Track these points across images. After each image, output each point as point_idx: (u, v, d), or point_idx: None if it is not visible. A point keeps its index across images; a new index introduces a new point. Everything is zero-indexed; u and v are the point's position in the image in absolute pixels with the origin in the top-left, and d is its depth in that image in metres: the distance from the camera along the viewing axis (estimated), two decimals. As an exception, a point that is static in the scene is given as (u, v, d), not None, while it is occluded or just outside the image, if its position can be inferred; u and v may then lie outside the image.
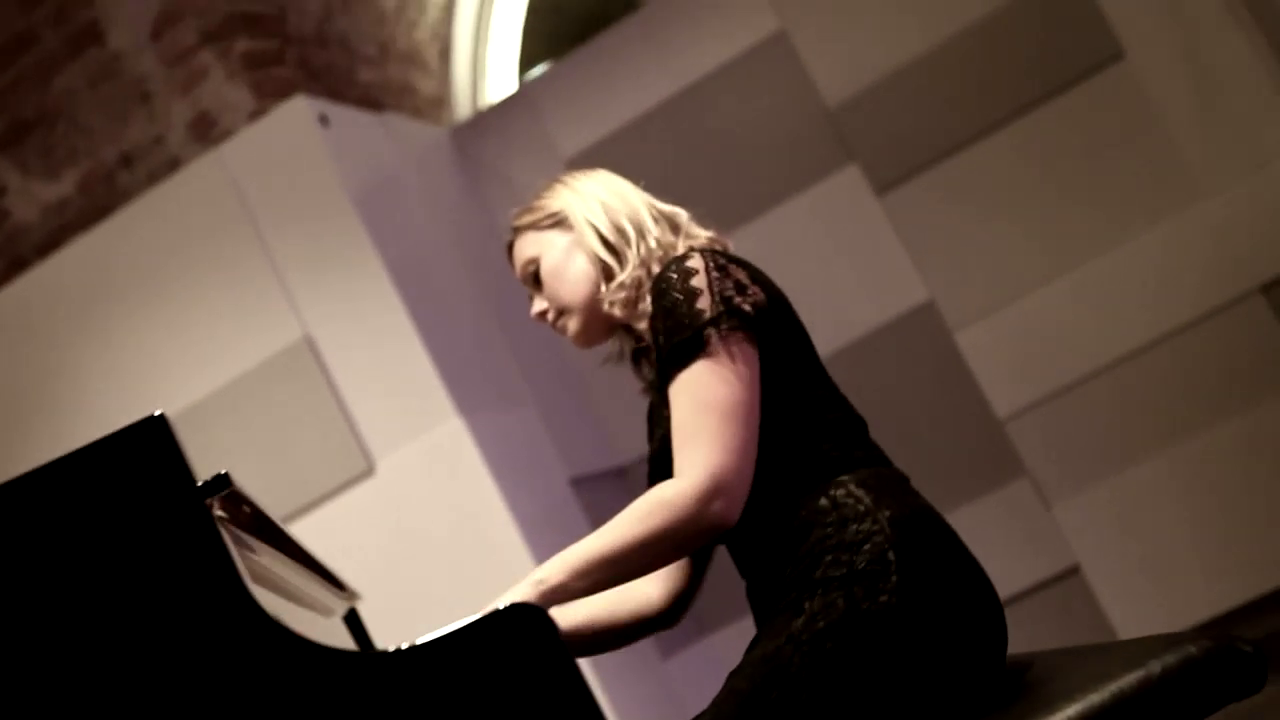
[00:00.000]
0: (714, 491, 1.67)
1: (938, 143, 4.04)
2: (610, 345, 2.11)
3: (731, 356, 1.73)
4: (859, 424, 1.86)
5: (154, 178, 4.15)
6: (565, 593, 1.66)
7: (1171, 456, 3.86)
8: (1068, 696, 1.47)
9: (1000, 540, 3.98)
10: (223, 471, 1.22)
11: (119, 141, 4.18)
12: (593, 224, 2.01)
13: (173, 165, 4.13)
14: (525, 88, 4.47)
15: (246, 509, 1.28)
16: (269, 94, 4.01)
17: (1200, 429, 3.84)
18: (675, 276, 1.80)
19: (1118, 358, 3.91)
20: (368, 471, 3.79)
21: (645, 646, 4.05)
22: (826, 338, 4.16)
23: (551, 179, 2.14)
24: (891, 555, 1.65)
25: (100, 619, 1.21)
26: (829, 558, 1.68)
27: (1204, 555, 3.84)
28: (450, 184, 4.35)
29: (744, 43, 4.22)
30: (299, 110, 3.80)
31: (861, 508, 1.71)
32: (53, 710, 1.20)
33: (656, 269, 1.93)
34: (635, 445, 4.35)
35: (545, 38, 5.85)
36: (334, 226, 3.81)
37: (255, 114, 4.00)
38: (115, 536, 1.21)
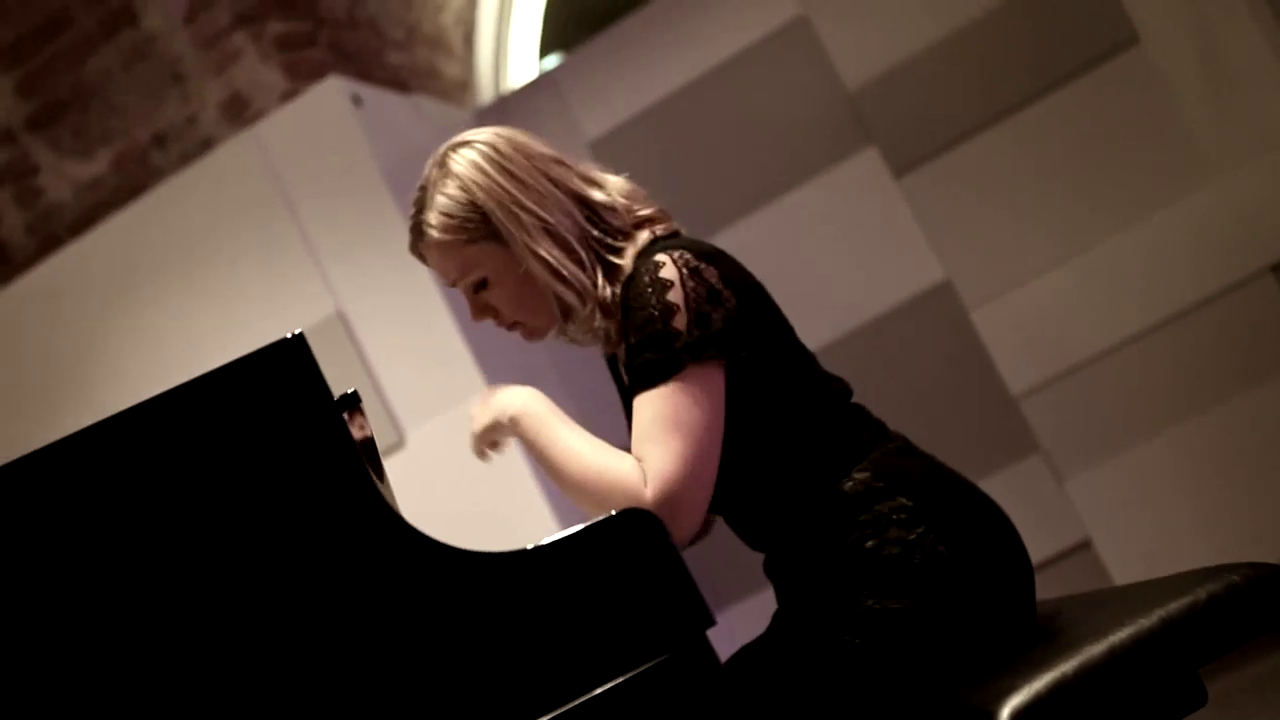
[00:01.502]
0: (670, 511, 1.66)
1: (955, 127, 4.12)
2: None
3: (701, 380, 1.73)
4: (846, 394, 1.90)
5: (187, 157, 4.23)
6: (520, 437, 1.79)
7: (1182, 433, 3.95)
8: (1118, 621, 1.56)
9: (1014, 515, 4.01)
10: (352, 390, 1.31)
11: (152, 122, 4.25)
12: (540, 257, 1.87)
13: (205, 145, 4.21)
14: (549, 72, 4.56)
15: (362, 428, 1.37)
16: (301, 75, 4.09)
17: (1210, 406, 3.93)
18: (650, 291, 1.77)
19: (1129, 336, 3.99)
20: (399, 443, 3.87)
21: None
22: (847, 316, 4.25)
23: (439, 166, 1.94)
24: (923, 528, 1.73)
25: (250, 521, 1.30)
26: (863, 537, 1.74)
27: (1213, 530, 3.92)
28: (476, 165, 4.43)
29: (765, 27, 4.30)
30: (334, 90, 3.88)
31: (881, 485, 1.77)
32: (210, 610, 1.29)
33: (616, 284, 1.86)
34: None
35: (566, 24, 5.93)
36: (367, 204, 3.89)
37: (287, 95, 4.08)
38: (263, 444, 1.30)
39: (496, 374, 3.91)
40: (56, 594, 1.32)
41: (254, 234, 3.97)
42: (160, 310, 4.06)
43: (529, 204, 1.87)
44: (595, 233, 1.88)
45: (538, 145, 1.94)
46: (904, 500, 1.76)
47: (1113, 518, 3.99)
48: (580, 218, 1.89)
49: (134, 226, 4.07)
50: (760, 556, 1.92)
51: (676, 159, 4.33)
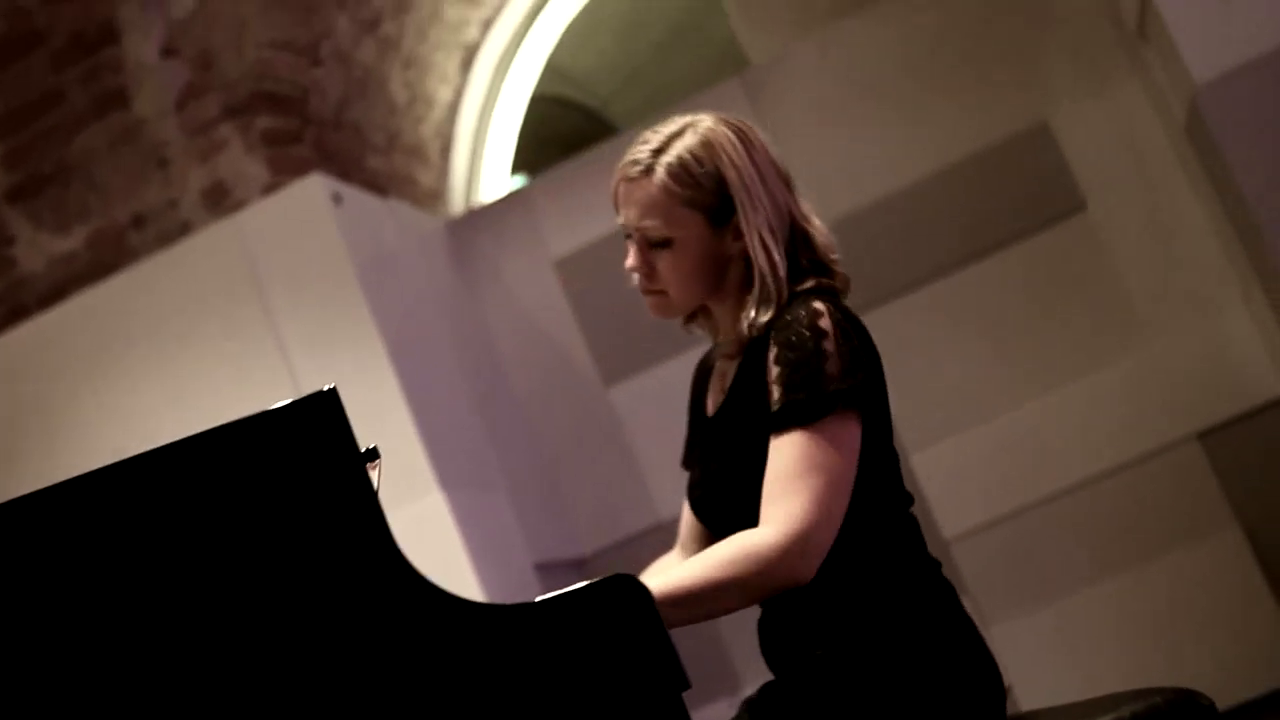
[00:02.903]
0: (802, 549, 1.71)
1: (902, 278, 4.25)
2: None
3: (844, 428, 1.76)
4: (910, 500, 1.94)
5: (163, 240, 4.32)
6: None
7: (1105, 589, 4.06)
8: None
9: (939, 654, 4.14)
10: (373, 445, 1.42)
11: (132, 203, 4.35)
12: (764, 259, 1.87)
13: (183, 230, 4.30)
14: (521, 189, 4.70)
15: (377, 481, 1.46)
16: (284, 170, 4.21)
17: (1134, 565, 4.05)
18: (808, 333, 1.79)
19: (1060, 490, 4.11)
20: (348, 535, 3.92)
21: None
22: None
23: (690, 126, 1.91)
24: (933, 653, 1.80)
25: (268, 567, 1.39)
26: (887, 651, 1.79)
27: (1134, 684, 4.03)
28: (443, 272, 4.55)
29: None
30: (315, 187, 3.99)
31: (916, 602, 1.83)
32: (227, 655, 1.36)
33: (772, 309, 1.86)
34: (597, 537, 4.52)
35: (540, 145, 6.12)
36: (339, 301, 3.98)
37: (269, 188, 4.20)
38: (291, 488, 1.39)
39: (449, 473, 3.99)
40: (70, 621, 1.39)
41: (223, 320, 4.04)
42: (125, 389, 4.10)
43: (763, 195, 1.88)
44: (790, 254, 1.90)
45: (779, 156, 1.95)
46: (928, 622, 1.83)
47: (1034, 667, 4.08)
48: (788, 234, 1.91)
49: (104, 304, 4.12)
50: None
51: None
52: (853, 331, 1.82)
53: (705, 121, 1.92)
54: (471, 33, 5.22)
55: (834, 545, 1.79)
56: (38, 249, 4.44)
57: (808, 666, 1.84)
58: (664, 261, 1.91)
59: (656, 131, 1.93)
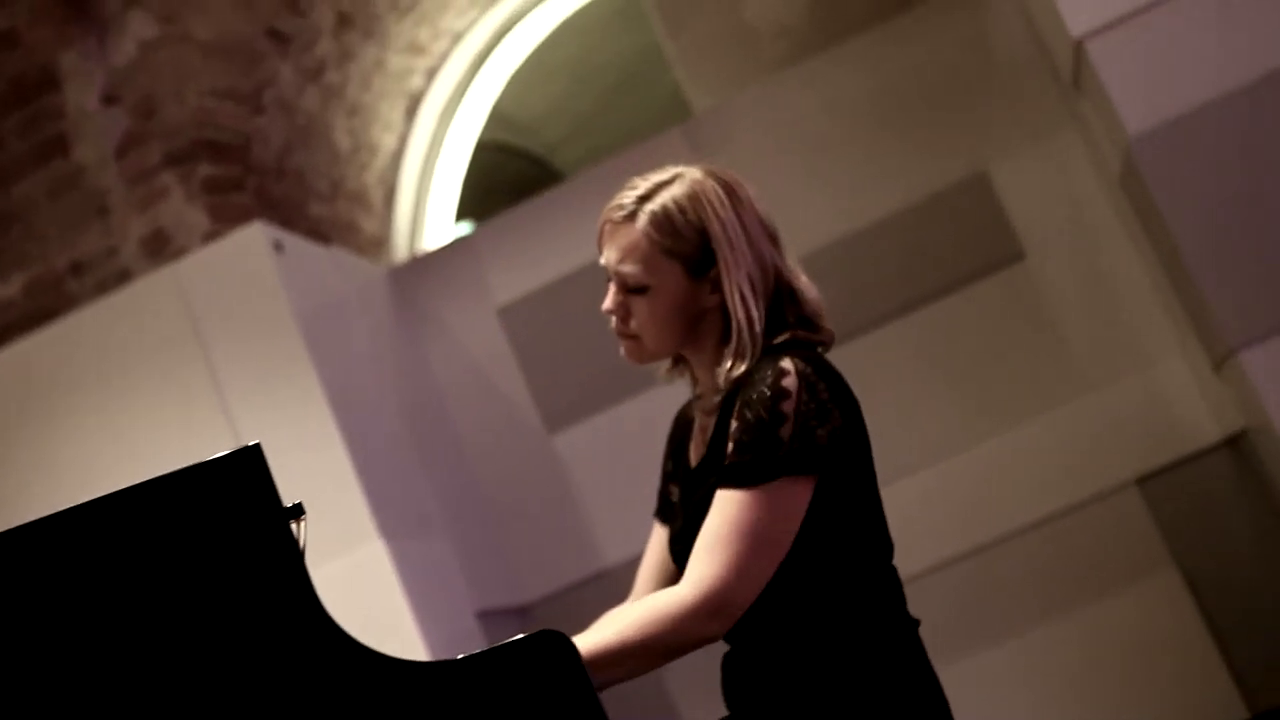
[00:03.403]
0: (709, 611, 1.72)
1: (847, 323, 4.27)
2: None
3: (789, 493, 1.76)
4: (891, 550, 1.95)
5: (103, 288, 4.29)
6: None
7: (1050, 631, 4.07)
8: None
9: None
10: (298, 501, 1.41)
11: (71, 250, 4.32)
12: (743, 313, 1.88)
13: (123, 277, 4.28)
14: (465, 237, 4.70)
15: (301, 538, 1.46)
16: (225, 218, 4.20)
17: (1077, 607, 4.07)
18: (769, 393, 1.79)
19: (1004, 534, 4.13)
20: (287, 585, 3.89)
21: None
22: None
23: (678, 175, 1.94)
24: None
25: (189, 622, 1.38)
26: (847, 702, 1.80)
27: (1072, 728, 4.05)
28: (386, 320, 4.54)
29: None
30: (256, 235, 3.98)
31: (888, 660, 1.83)
32: (147, 712, 1.35)
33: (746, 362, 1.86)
34: (540, 585, 4.50)
35: (484, 193, 6.13)
36: (279, 348, 3.96)
37: (210, 235, 4.18)
38: (212, 544, 1.38)
39: (390, 521, 3.97)
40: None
41: (164, 368, 4.02)
42: (62, 438, 4.06)
43: (746, 250, 1.89)
44: (774, 309, 1.91)
45: (767, 212, 1.97)
46: (896, 675, 1.84)
47: (983, 706, 4.09)
48: (772, 290, 1.92)
49: (42, 352, 4.09)
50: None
51: (579, 331, 4.44)
52: (822, 387, 1.82)
53: (694, 173, 1.94)
54: (416, 81, 5.24)
55: (806, 591, 1.82)
56: (-26, 295, 4.41)
57: (765, 708, 1.84)
58: (639, 307, 1.93)
59: (646, 178, 1.96)
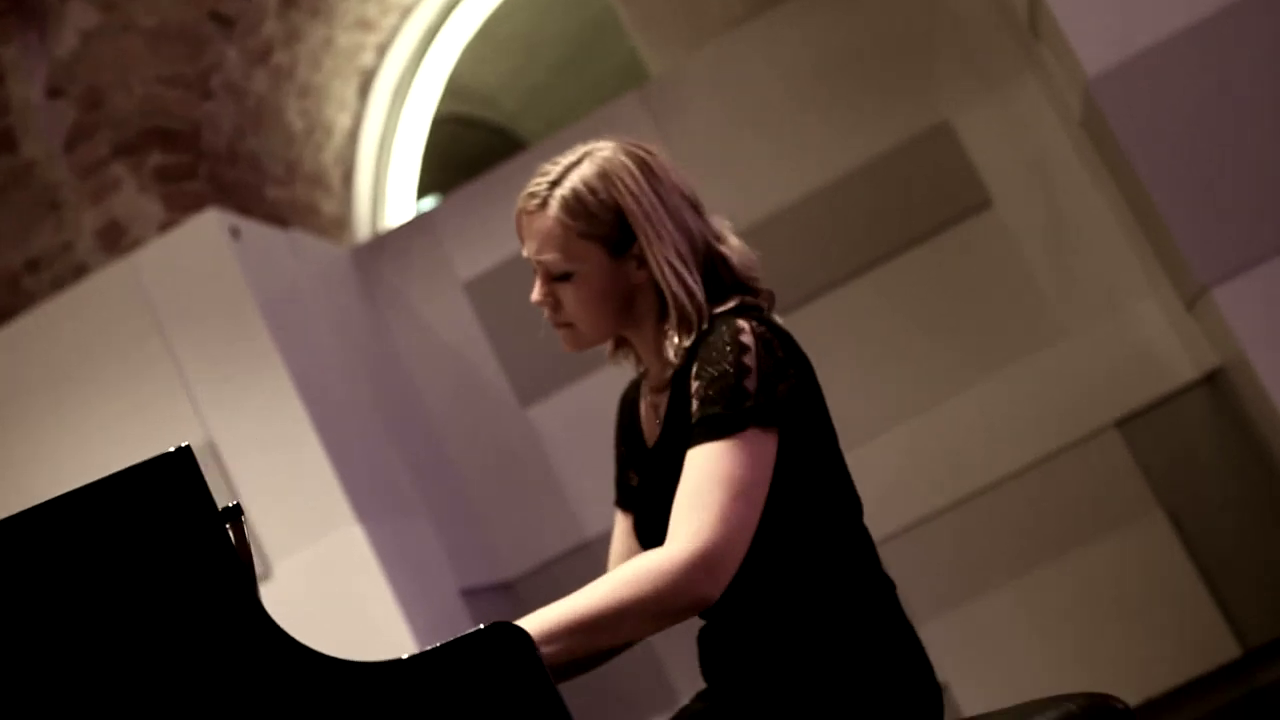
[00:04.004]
0: (705, 565, 1.65)
1: (811, 281, 4.25)
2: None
3: (759, 443, 1.73)
4: (860, 510, 1.92)
5: (59, 284, 4.23)
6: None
7: (1035, 581, 4.07)
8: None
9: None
10: (235, 502, 1.37)
11: (25, 246, 4.26)
12: (678, 285, 1.85)
13: (79, 272, 4.22)
14: (426, 214, 4.65)
15: (242, 540, 1.41)
16: (180, 207, 4.13)
17: (1061, 556, 4.07)
18: (729, 348, 1.77)
19: (983, 486, 4.12)
20: (265, 574, 3.86)
21: None
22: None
23: (587, 155, 1.89)
24: (877, 665, 1.79)
25: (126, 628, 1.33)
26: (828, 666, 1.78)
27: (1061, 674, 4.05)
28: (350, 300, 4.49)
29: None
30: (212, 222, 3.92)
31: (865, 616, 1.81)
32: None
33: (693, 333, 1.84)
34: (523, 559, 4.47)
35: (443, 168, 6.07)
36: (241, 335, 3.92)
37: (165, 225, 4.12)
38: (145, 551, 1.34)
39: (365, 503, 3.93)
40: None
41: (126, 361, 3.97)
42: (25, 437, 4.02)
43: (667, 222, 1.85)
44: (708, 276, 1.88)
45: (685, 180, 1.92)
46: (875, 636, 1.81)
47: (967, 662, 4.09)
48: (702, 258, 1.88)
49: (2, 350, 4.04)
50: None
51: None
52: (777, 345, 1.79)
53: (604, 151, 1.89)
54: (367, 58, 5.17)
55: (778, 556, 1.79)
56: (-71, 298, 4.34)
57: (745, 678, 1.82)
58: (567, 294, 1.89)
59: (556, 162, 1.90)
